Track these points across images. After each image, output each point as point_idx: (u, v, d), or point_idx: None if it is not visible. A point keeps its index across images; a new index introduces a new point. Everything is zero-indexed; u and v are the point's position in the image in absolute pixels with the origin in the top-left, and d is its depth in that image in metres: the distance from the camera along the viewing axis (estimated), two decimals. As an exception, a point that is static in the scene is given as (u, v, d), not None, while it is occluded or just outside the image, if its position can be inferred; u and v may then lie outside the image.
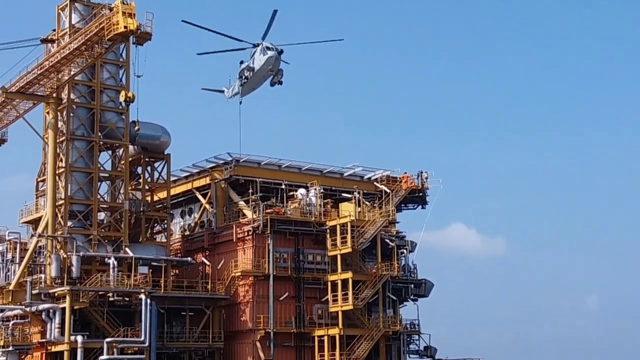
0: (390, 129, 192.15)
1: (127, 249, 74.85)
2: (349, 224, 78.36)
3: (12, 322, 71.77)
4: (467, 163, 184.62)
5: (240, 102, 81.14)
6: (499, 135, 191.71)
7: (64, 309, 69.39)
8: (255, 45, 76.99)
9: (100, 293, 71.44)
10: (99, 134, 76.01)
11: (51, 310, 69.75)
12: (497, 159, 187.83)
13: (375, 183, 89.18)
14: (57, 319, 69.28)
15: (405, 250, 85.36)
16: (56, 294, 70.61)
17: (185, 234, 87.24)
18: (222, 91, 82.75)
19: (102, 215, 78.22)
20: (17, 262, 75.20)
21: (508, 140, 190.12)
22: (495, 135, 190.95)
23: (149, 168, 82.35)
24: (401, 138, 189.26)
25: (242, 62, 79.06)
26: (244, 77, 78.35)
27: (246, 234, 79.48)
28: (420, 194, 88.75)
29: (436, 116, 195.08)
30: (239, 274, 78.15)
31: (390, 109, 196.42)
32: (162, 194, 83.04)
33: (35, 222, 78.15)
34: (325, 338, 77.43)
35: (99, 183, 76.54)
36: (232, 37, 76.26)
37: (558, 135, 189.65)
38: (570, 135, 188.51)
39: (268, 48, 75.70)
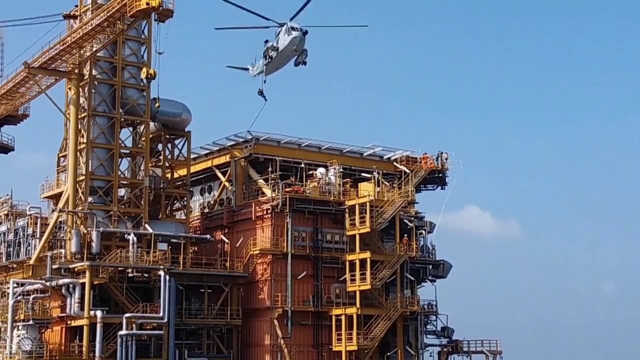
0: (410, 109, 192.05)
1: (146, 226, 75.14)
2: (367, 204, 78.39)
3: (32, 297, 71.99)
4: (480, 145, 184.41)
5: (265, 81, 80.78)
6: (512, 117, 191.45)
7: (83, 284, 69.84)
8: (280, 25, 76.42)
9: (119, 269, 71.74)
10: (120, 110, 76.16)
11: (71, 285, 70.20)
12: (510, 142, 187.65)
13: (394, 163, 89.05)
14: (77, 294, 69.76)
15: (424, 231, 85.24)
16: (76, 269, 71.04)
17: (205, 211, 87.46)
18: (247, 69, 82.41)
19: (122, 192, 78.57)
20: (38, 237, 75.58)
21: (522, 123, 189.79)
22: (508, 117, 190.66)
23: (169, 145, 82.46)
24: (421, 118, 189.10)
25: (266, 42, 78.36)
26: (268, 57, 77.76)
27: (265, 212, 79.50)
28: (440, 175, 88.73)
29: (455, 97, 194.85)
30: (258, 252, 78.30)
31: (410, 89, 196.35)
32: (182, 171, 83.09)
33: (56, 198, 78.60)
34: (343, 317, 77.53)
35: (120, 159, 76.61)
36: (259, 15, 75.10)
37: (573, 117, 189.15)
38: (586, 116, 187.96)
39: (293, 28, 74.94)
